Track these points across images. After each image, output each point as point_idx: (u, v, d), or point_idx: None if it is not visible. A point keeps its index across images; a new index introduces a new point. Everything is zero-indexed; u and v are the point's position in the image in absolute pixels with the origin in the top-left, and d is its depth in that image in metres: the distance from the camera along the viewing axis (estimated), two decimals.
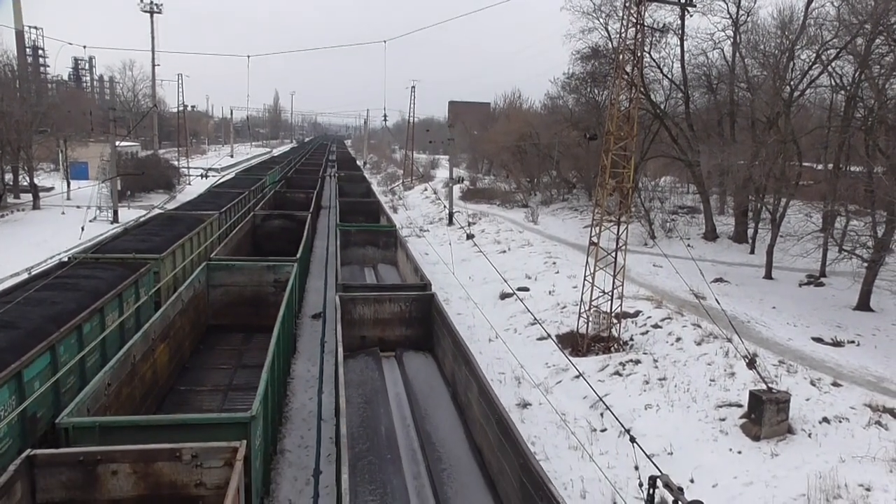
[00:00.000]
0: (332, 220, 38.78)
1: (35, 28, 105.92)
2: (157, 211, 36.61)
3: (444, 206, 48.25)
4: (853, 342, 19.70)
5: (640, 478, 12.20)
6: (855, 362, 17.64)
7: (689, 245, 32.85)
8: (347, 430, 8.86)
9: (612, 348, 19.38)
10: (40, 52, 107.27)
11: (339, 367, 11.35)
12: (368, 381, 14.34)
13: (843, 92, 29.12)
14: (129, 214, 41.54)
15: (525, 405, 16.15)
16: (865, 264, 22.90)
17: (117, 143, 44.74)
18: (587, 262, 20.46)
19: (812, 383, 15.48)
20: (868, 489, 11.65)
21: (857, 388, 15.45)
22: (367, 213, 35.26)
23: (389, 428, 12.30)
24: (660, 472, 7.80)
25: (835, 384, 15.49)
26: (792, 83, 30.94)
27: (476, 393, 11.57)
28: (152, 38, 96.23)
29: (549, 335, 19.78)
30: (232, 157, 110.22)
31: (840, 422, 13.80)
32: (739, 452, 13.27)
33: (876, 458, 12.45)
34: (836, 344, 19.45)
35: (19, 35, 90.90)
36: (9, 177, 47.27)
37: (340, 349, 12.36)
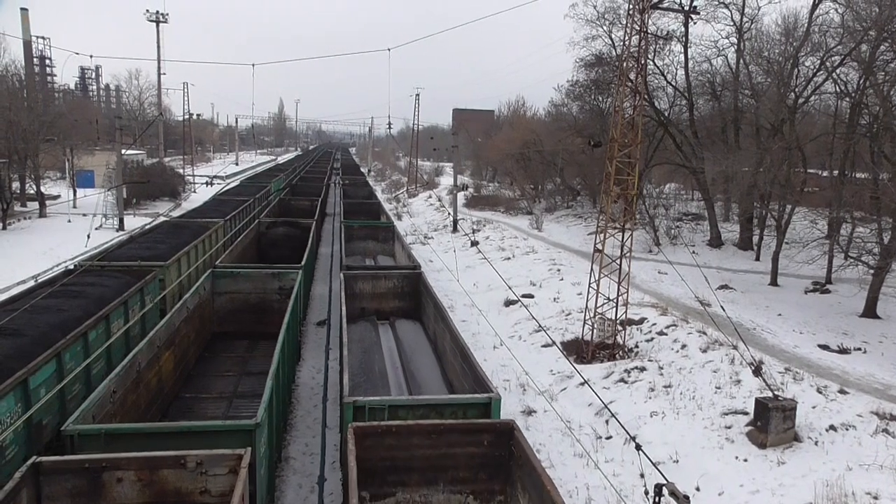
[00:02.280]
0: (336, 227, 39.09)
1: (42, 38, 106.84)
2: (162, 219, 36.72)
3: (449, 214, 48.31)
4: (860, 349, 19.61)
5: (645, 486, 12.18)
6: (861, 370, 17.55)
7: (693, 252, 32.77)
8: (349, 371, 11.12)
9: (617, 355, 19.33)
10: (47, 61, 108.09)
11: (343, 319, 14.30)
12: (366, 339, 16.94)
13: (847, 99, 29.07)
14: (135, 222, 41.70)
15: (530, 412, 16.11)
16: (872, 271, 22.80)
17: (123, 151, 44.96)
18: (592, 269, 20.43)
19: (818, 391, 15.40)
20: (876, 497, 11.57)
21: (864, 395, 15.36)
22: (369, 213, 37.64)
23: (382, 369, 14.94)
24: (666, 479, 7.78)
25: (841, 392, 15.41)
26: (796, 90, 30.90)
27: (448, 339, 14.38)
28: (158, 47, 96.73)
29: (553, 342, 19.75)
30: (237, 164, 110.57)
31: (847, 429, 13.72)
32: (745, 460, 13.20)
33: (883, 466, 12.38)
34: (843, 351, 19.36)
35: (27, 45, 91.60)
36: (16, 185, 47.50)
37: (344, 310, 15.07)
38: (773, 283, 27.97)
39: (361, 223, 31.40)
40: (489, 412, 10.03)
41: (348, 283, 18.41)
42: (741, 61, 35.42)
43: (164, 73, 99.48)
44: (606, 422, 15.14)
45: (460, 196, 53.19)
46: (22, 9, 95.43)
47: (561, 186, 56.68)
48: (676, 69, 38.60)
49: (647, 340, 19.93)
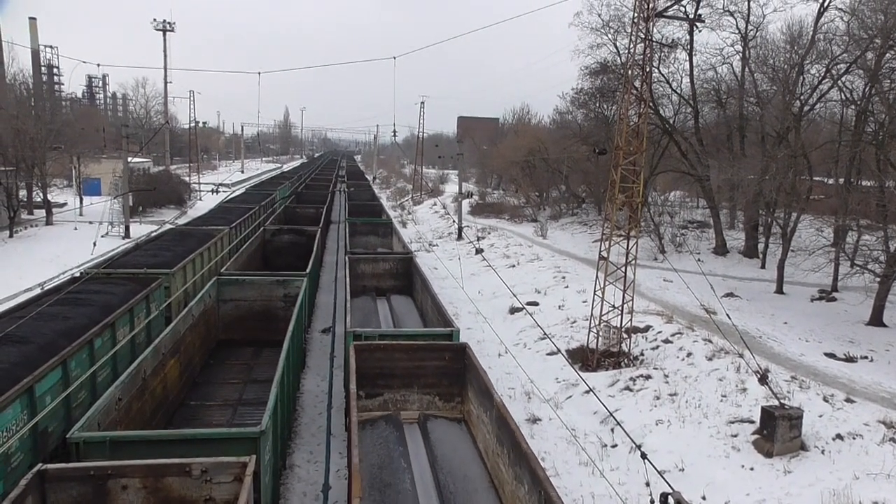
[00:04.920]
0: (341, 235, 39.35)
1: (50, 47, 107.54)
2: (168, 226, 36.85)
3: (454, 221, 48.36)
4: (866, 358, 19.51)
5: (651, 494, 12.11)
6: (868, 378, 17.46)
7: (699, 260, 32.65)
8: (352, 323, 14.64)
9: (623, 363, 19.28)
10: (55, 70, 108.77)
11: (347, 289, 17.98)
12: (366, 308, 20.75)
13: (853, 106, 29.05)
14: (141, 230, 41.88)
15: (535, 420, 16.08)
16: (878, 279, 22.71)
17: (129, 159, 45.18)
18: (597, 276, 20.41)
19: (825, 399, 15.32)
20: None
21: (871, 404, 15.28)
22: (371, 212, 41.26)
23: (378, 327, 18.27)
24: (671, 488, 7.76)
25: (848, 400, 15.33)
26: (802, 98, 30.88)
27: (430, 302, 17.94)
28: (165, 55, 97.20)
29: (558, 350, 19.69)
30: (242, 172, 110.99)
31: (854, 438, 13.65)
32: (752, 469, 13.14)
33: (891, 475, 12.30)
34: (849, 359, 19.27)
35: (35, 54, 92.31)
36: (23, 193, 47.77)
37: (348, 281, 18.88)
38: (779, 291, 27.88)
39: (364, 220, 34.94)
40: (451, 339, 13.80)
41: (352, 265, 21.82)
42: (746, 69, 35.43)
43: (171, 82, 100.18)
44: (612, 430, 15.09)
45: (465, 203, 53.25)
46: (30, 18, 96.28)
47: (566, 194, 56.67)
48: (681, 77, 38.63)
49: (653, 348, 19.87)
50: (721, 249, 36.32)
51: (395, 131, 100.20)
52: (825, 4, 30.46)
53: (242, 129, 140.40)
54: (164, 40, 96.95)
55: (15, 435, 9.72)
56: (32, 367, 10.94)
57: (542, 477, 8.10)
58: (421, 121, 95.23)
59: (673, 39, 36.63)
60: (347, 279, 19.31)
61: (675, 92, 38.87)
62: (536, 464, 8.46)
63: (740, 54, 35.77)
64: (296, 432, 14.88)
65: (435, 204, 65.26)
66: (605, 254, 19.99)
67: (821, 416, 14.50)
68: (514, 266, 34.53)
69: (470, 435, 12.36)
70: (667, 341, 20.00)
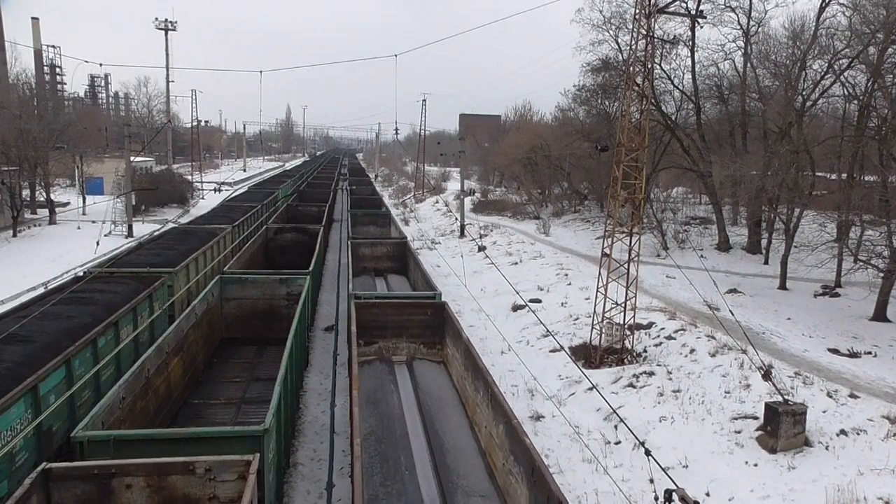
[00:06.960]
0: (344, 234, 39.58)
1: (53, 47, 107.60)
2: (170, 225, 36.89)
3: (456, 219, 48.35)
4: (870, 353, 19.48)
5: (655, 491, 12.10)
6: (872, 374, 17.43)
7: (702, 256, 32.67)
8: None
9: (626, 360, 19.27)
10: (58, 70, 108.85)
11: (350, 270, 20.93)
12: (366, 286, 23.71)
13: (855, 101, 28.97)
14: (144, 229, 41.92)
15: (538, 417, 16.08)
16: (881, 274, 22.67)
17: (132, 158, 45.22)
18: (599, 273, 20.39)
19: (829, 395, 15.31)
20: (887, 502, 11.48)
21: (875, 399, 15.26)
22: (372, 205, 43.86)
23: None
24: (675, 485, 7.75)
25: (852, 396, 15.31)
26: (804, 93, 30.81)
27: (421, 278, 20.66)
28: (167, 54, 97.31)
29: (561, 347, 19.71)
30: (245, 171, 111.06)
31: (858, 434, 13.63)
32: (756, 465, 13.13)
33: (895, 470, 12.28)
34: (853, 355, 19.24)
35: (37, 54, 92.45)
36: (26, 192, 47.84)
37: (351, 262, 21.84)
38: (782, 286, 27.84)
39: (364, 212, 38.28)
40: (434, 300, 16.64)
41: (354, 249, 24.78)
42: (748, 65, 35.36)
43: (173, 81, 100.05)
44: (615, 427, 15.08)
45: (467, 201, 53.23)
46: (33, 18, 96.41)
47: (568, 191, 56.63)
48: (683, 73, 38.59)
49: (656, 345, 19.86)
50: (724, 246, 36.27)
51: (396, 129, 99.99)
52: None
53: (245, 128, 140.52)
54: (166, 39, 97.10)
55: (19, 434, 9.75)
56: (36, 366, 10.96)
57: (489, 381, 10.93)
58: (423, 118, 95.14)
59: (675, 36, 36.58)
60: (350, 260, 22.20)
61: (677, 88, 38.86)
62: (487, 374, 11.31)
63: (742, 50, 35.74)
64: (299, 430, 14.89)
65: (437, 201, 65.25)
66: (607, 250, 19.97)
67: (824, 412, 14.48)
68: (516, 263, 34.52)
69: (447, 372, 15.32)
70: (670, 338, 19.98)
